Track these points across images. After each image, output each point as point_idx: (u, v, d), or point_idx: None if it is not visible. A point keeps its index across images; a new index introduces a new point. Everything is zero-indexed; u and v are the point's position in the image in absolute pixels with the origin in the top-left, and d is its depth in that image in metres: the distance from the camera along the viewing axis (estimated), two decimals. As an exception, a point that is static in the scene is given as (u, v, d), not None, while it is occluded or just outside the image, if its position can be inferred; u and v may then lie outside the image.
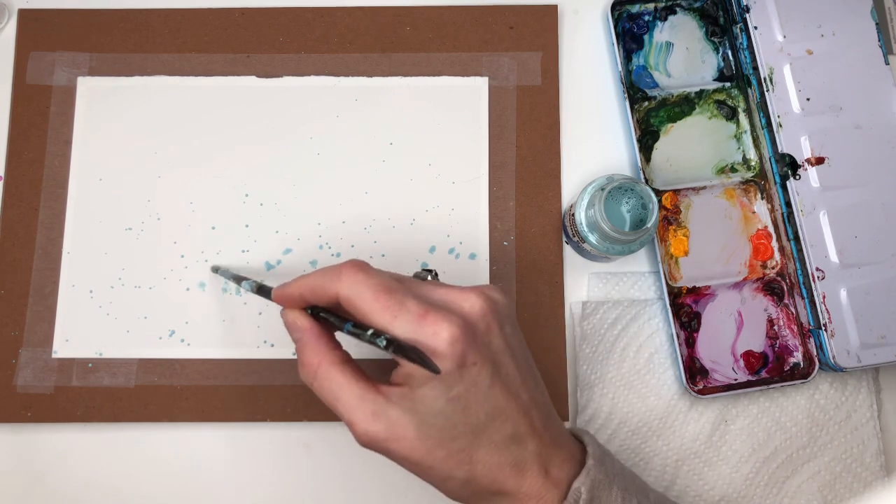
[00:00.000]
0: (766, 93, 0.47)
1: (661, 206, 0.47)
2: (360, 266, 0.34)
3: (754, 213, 0.48)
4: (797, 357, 0.46)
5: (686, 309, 0.47)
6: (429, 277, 0.37)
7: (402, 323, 0.32)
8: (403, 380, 0.33)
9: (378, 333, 0.32)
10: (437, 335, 0.32)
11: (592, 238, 0.43)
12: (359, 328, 0.33)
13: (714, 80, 0.50)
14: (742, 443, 0.46)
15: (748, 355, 0.46)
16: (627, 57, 0.50)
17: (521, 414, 0.34)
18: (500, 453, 0.34)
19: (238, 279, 0.42)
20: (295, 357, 0.46)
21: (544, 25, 0.50)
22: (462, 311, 0.33)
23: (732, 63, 0.50)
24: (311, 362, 0.34)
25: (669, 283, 0.47)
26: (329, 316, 0.35)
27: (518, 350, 0.36)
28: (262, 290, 0.39)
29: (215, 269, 0.47)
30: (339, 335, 0.36)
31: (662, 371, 0.46)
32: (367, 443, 0.33)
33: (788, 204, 0.46)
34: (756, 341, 0.47)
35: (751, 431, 0.46)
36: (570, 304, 0.47)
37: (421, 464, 0.33)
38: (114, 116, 0.49)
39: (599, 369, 0.46)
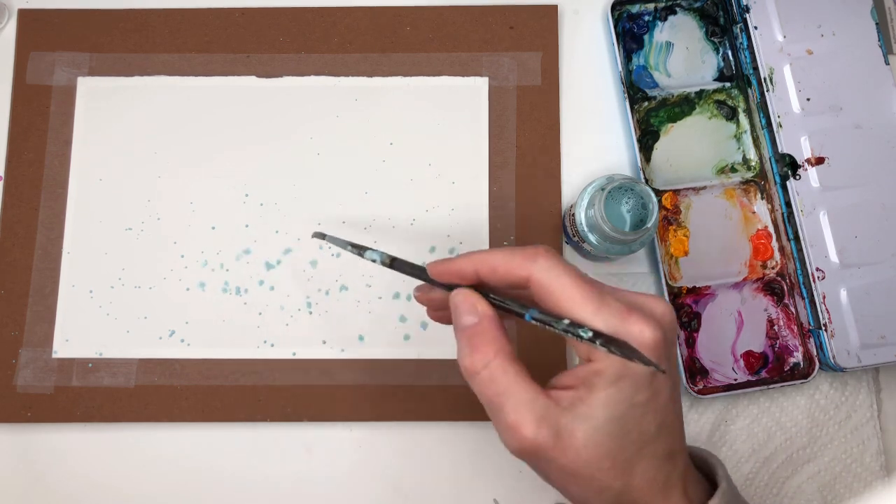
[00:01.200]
0: (766, 93, 0.47)
1: (661, 206, 0.47)
2: (554, 253, 0.32)
3: (754, 213, 0.48)
4: (797, 357, 0.46)
5: (686, 309, 0.47)
6: None
7: (606, 317, 0.30)
8: (579, 382, 0.31)
9: (578, 325, 0.30)
10: (641, 335, 0.30)
11: (592, 238, 0.43)
12: (548, 317, 0.31)
13: (714, 80, 0.50)
14: (742, 443, 0.46)
15: (748, 355, 0.46)
16: (627, 57, 0.50)
17: (680, 430, 0.33)
18: (658, 468, 0.32)
19: (359, 249, 0.37)
20: (294, 357, 0.46)
21: (544, 25, 0.50)
22: (657, 315, 0.32)
23: (732, 63, 0.50)
24: (485, 352, 0.31)
25: (669, 283, 0.47)
26: (506, 301, 0.32)
27: (677, 366, 0.35)
28: (400, 264, 0.36)
29: (321, 236, 0.40)
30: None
31: (662, 371, 0.46)
32: (528, 448, 0.30)
33: (788, 204, 0.46)
34: (756, 341, 0.47)
35: (751, 432, 0.46)
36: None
37: (579, 474, 0.31)
38: (114, 116, 0.49)
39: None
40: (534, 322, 0.31)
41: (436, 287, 0.35)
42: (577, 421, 0.30)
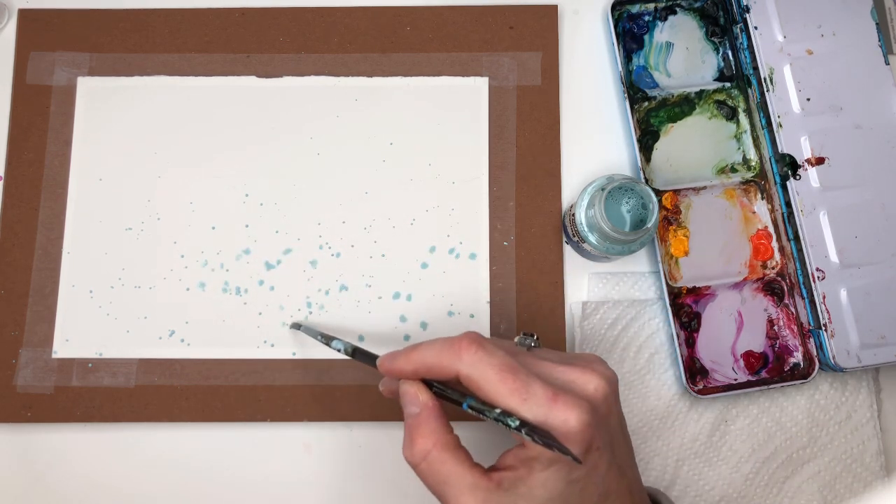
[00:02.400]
0: (766, 93, 0.47)
1: (661, 206, 0.47)
2: (478, 342, 0.33)
3: (754, 213, 0.48)
4: (797, 357, 0.46)
5: (686, 309, 0.47)
6: (531, 343, 0.36)
7: (532, 406, 0.31)
8: (519, 463, 0.32)
9: (508, 414, 0.31)
10: (567, 421, 0.31)
11: (592, 238, 0.43)
12: (482, 406, 0.32)
13: (714, 80, 0.50)
14: (742, 443, 0.46)
15: (748, 355, 0.46)
16: (627, 57, 0.50)
17: (627, 493, 0.34)
18: None
19: (327, 338, 0.42)
20: (294, 357, 0.46)
21: (544, 25, 0.50)
22: (587, 394, 0.33)
23: (732, 63, 0.50)
24: (424, 442, 0.33)
25: (669, 283, 0.47)
26: (446, 390, 0.34)
27: (624, 427, 0.36)
28: (360, 354, 0.39)
29: (296, 326, 0.46)
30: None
31: (662, 371, 0.46)
32: None
33: (788, 204, 0.46)
34: (756, 341, 0.47)
35: (751, 431, 0.46)
36: (570, 304, 0.47)
37: None
38: (114, 116, 0.49)
39: (599, 369, 0.46)
40: (470, 410, 0.33)
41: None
42: (519, 500, 0.32)
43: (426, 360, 0.34)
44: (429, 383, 0.35)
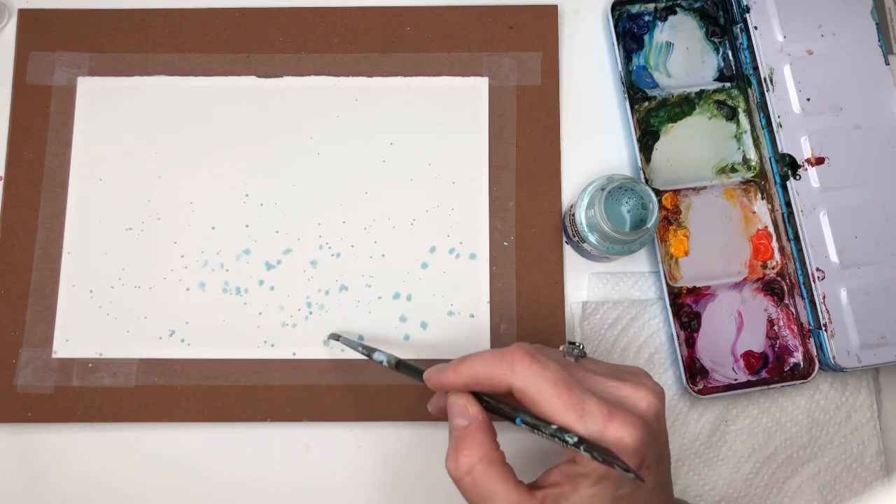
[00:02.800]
0: (766, 93, 0.47)
1: (662, 206, 0.47)
2: (531, 354, 0.32)
3: (754, 213, 0.48)
4: (797, 357, 0.46)
5: (686, 309, 0.47)
6: (578, 353, 0.36)
7: (588, 423, 0.31)
8: (565, 479, 0.32)
9: (564, 430, 0.31)
10: (623, 439, 0.31)
11: (592, 238, 0.43)
12: (537, 421, 0.32)
13: (714, 80, 0.50)
14: (742, 443, 0.46)
15: (748, 355, 0.46)
16: (627, 57, 0.50)
17: None
18: None
19: (368, 350, 0.41)
20: (294, 357, 0.46)
21: (544, 25, 0.50)
22: (640, 411, 0.32)
23: (732, 63, 0.50)
24: (470, 456, 0.32)
25: (669, 283, 0.47)
26: (499, 404, 0.33)
27: (667, 441, 0.35)
28: (405, 368, 0.38)
29: (335, 337, 0.45)
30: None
31: (662, 371, 0.46)
32: None
33: (788, 204, 0.46)
34: (756, 341, 0.47)
35: (751, 432, 0.46)
36: (570, 304, 0.47)
37: None
38: (114, 116, 0.49)
39: (599, 369, 0.46)
40: (523, 426, 0.32)
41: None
42: None
43: (477, 373, 0.33)
44: (478, 396, 0.34)
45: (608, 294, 0.47)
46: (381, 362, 0.39)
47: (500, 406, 0.33)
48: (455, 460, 0.32)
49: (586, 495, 0.31)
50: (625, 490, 0.32)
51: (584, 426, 0.31)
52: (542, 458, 0.44)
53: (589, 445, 0.30)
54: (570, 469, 0.32)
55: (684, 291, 0.47)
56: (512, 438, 0.33)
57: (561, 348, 0.36)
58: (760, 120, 0.48)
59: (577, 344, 0.36)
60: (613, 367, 0.36)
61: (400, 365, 0.38)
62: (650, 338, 0.46)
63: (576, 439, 0.30)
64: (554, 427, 0.31)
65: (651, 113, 0.49)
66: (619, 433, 0.31)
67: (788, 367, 0.46)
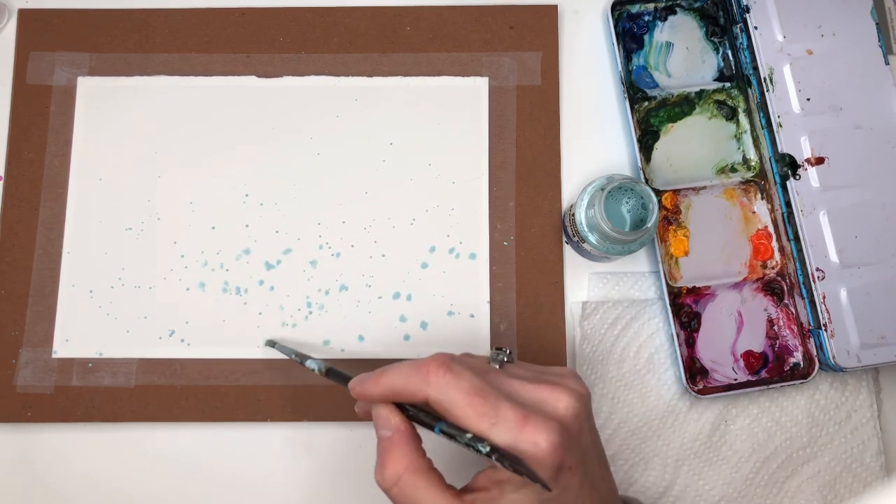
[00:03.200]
0: (766, 93, 0.47)
1: (661, 206, 0.47)
2: (446, 365, 0.33)
3: (754, 213, 0.48)
4: (797, 357, 0.46)
5: (686, 309, 0.47)
6: (504, 358, 0.36)
7: (501, 431, 0.31)
8: (491, 484, 0.32)
9: (478, 439, 0.31)
10: (537, 444, 0.31)
11: (592, 238, 0.43)
12: (453, 430, 0.32)
13: (714, 80, 0.50)
14: (742, 443, 0.45)
15: (748, 355, 0.46)
16: (627, 57, 0.50)
17: None
18: None
19: (302, 357, 0.41)
20: (295, 357, 0.46)
21: (544, 25, 0.50)
22: (557, 414, 0.33)
23: (732, 63, 0.50)
24: (395, 466, 0.32)
25: (669, 283, 0.46)
26: (419, 414, 0.34)
27: (597, 441, 0.36)
28: (334, 375, 0.38)
29: (271, 344, 0.45)
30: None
31: (662, 371, 0.46)
32: None
33: (788, 204, 0.46)
34: (756, 341, 0.47)
35: (751, 431, 0.46)
36: (570, 304, 0.47)
37: None
38: (114, 116, 0.49)
39: (599, 369, 0.46)
40: (441, 435, 0.32)
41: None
42: None
43: (394, 385, 0.33)
44: (403, 406, 0.34)
45: (608, 294, 0.47)
46: (312, 370, 0.40)
47: (419, 415, 0.34)
48: (381, 472, 0.33)
49: (512, 500, 0.32)
50: (550, 494, 0.32)
51: (498, 433, 0.31)
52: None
53: (500, 455, 0.30)
54: (494, 475, 0.33)
55: (684, 291, 0.47)
56: (444, 442, 0.34)
57: (489, 353, 0.36)
58: (760, 120, 0.48)
59: (504, 349, 0.36)
60: (538, 370, 0.36)
61: (330, 372, 0.39)
62: (650, 338, 0.46)
63: (488, 448, 0.31)
64: (468, 436, 0.31)
65: (651, 113, 0.49)
66: (534, 437, 0.31)
67: (788, 367, 0.46)
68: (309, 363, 0.40)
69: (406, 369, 0.33)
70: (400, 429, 0.33)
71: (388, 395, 0.34)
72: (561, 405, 0.33)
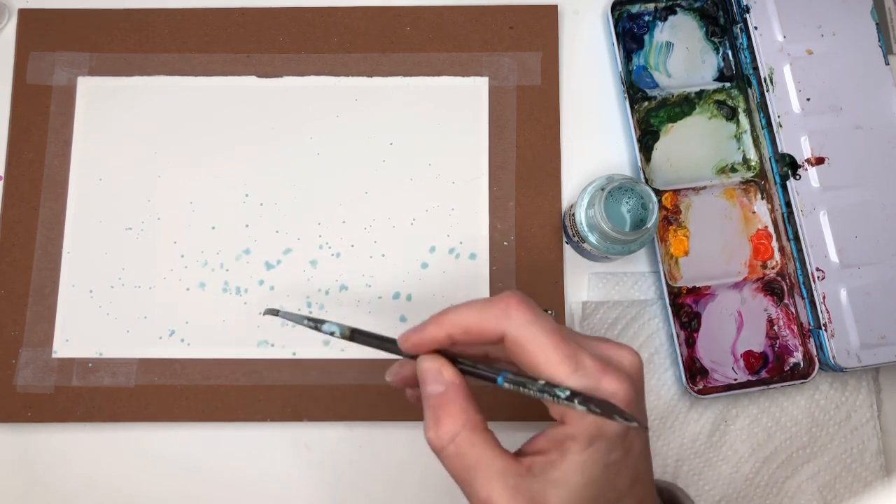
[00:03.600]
0: (766, 93, 0.47)
1: (661, 206, 0.47)
2: (527, 303, 0.30)
3: (754, 213, 0.48)
4: (797, 357, 0.46)
5: (686, 309, 0.47)
6: (551, 317, 0.33)
7: (581, 378, 0.29)
8: (552, 446, 0.30)
9: (552, 385, 0.29)
10: (615, 395, 0.29)
11: (592, 238, 0.43)
12: (522, 378, 0.29)
13: (714, 80, 0.50)
14: (742, 443, 0.45)
15: (748, 355, 0.46)
16: (627, 57, 0.50)
17: (651, 477, 0.32)
18: None
19: (316, 322, 0.34)
20: (294, 357, 0.46)
21: (544, 25, 0.50)
22: (626, 369, 0.31)
23: (732, 63, 0.50)
24: (452, 423, 0.30)
25: (669, 283, 0.46)
26: (476, 366, 0.31)
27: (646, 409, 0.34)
28: (362, 336, 0.33)
29: (273, 312, 0.35)
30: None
31: (662, 371, 0.46)
32: None
33: (788, 204, 0.46)
34: (756, 341, 0.47)
35: (751, 431, 0.46)
36: (570, 304, 0.47)
37: None
38: (114, 116, 0.49)
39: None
40: (506, 385, 0.30)
41: (404, 359, 0.32)
42: (552, 487, 0.29)
43: (466, 321, 0.30)
44: (453, 360, 0.31)
45: (608, 294, 0.47)
46: (332, 334, 0.33)
47: (477, 368, 0.31)
48: (436, 429, 0.30)
49: (576, 462, 0.29)
50: (616, 454, 0.30)
51: (579, 380, 0.29)
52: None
53: (584, 398, 0.28)
54: (557, 433, 0.30)
55: (684, 291, 0.47)
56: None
57: None
58: (760, 120, 0.47)
59: (549, 310, 0.33)
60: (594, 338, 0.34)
61: (355, 334, 0.33)
62: (650, 338, 0.46)
63: (567, 393, 0.28)
64: (542, 383, 0.29)
65: (651, 113, 0.49)
66: (613, 387, 0.29)
67: (788, 367, 0.46)
68: (327, 327, 0.33)
69: (479, 304, 0.30)
70: (455, 382, 0.30)
71: (453, 335, 0.30)
72: (627, 361, 0.31)
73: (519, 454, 0.31)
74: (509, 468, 0.29)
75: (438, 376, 0.30)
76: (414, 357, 0.32)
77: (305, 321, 0.34)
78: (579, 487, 0.29)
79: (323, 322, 0.34)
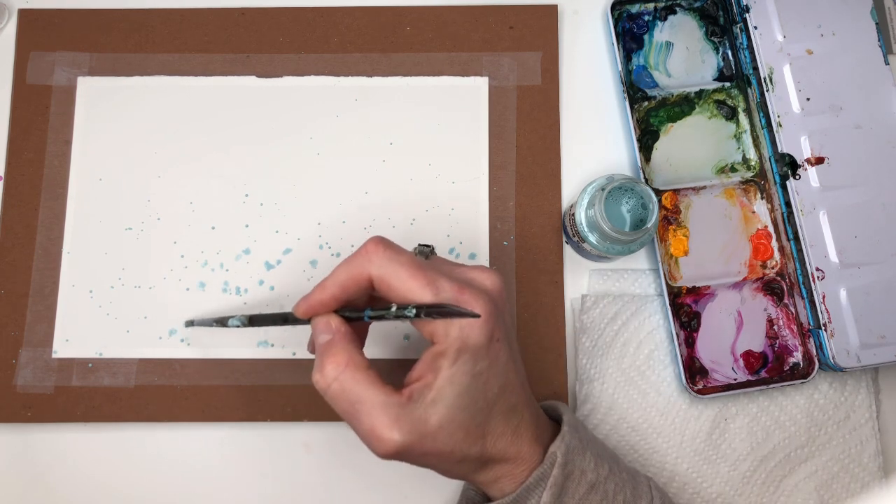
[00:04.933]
0: (765, 93, 0.46)
1: (661, 206, 0.46)
2: (384, 242, 0.34)
3: (754, 212, 0.47)
4: (797, 357, 0.46)
5: (686, 309, 0.46)
6: (428, 253, 0.37)
7: (442, 299, 0.32)
8: (426, 368, 0.33)
9: (403, 306, 0.32)
10: (473, 310, 0.32)
11: (592, 238, 0.42)
12: (379, 310, 0.33)
13: (714, 79, 0.49)
14: (741, 441, 0.45)
15: (748, 355, 0.46)
16: (627, 57, 0.49)
17: (520, 385, 0.35)
18: (506, 422, 0.34)
19: (222, 321, 0.40)
20: (294, 357, 0.45)
21: (544, 25, 0.49)
22: (486, 288, 0.34)
23: (732, 63, 0.49)
24: (335, 363, 0.33)
25: (669, 282, 0.46)
26: (346, 311, 0.34)
27: (514, 329, 0.38)
28: (261, 318, 0.37)
29: (189, 324, 0.44)
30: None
31: (662, 368, 0.46)
32: (391, 451, 0.32)
33: (788, 204, 0.45)
34: (756, 341, 0.46)
35: (750, 430, 0.45)
36: (570, 303, 0.47)
37: (441, 452, 0.33)
38: (114, 116, 0.48)
39: (599, 364, 0.45)
40: (370, 319, 0.33)
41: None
42: (430, 408, 0.32)
43: (339, 279, 0.34)
44: (340, 315, 0.35)
45: (608, 291, 0.47)
46: (237, 326, 0.39)
47: (346, 311, 0.34)
48: (321, 371, 0.33)
49: (447, 376, 0.32)
50: (482, 364, 0.33)
51: (439, 302, 0.32)
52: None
53: (427, 309, 0.31)
54: (430, 355, 0.33)
55: (684, 291, 0.46)
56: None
57: (412, 249, 0.36)
58: (760, 120, 0.47)
59: (429, 245, 0.37)
60: (460, 263, 0.37)
61: (254, 319, 0.38)
62: (650, 334, 0.46)
63: (414, 311, 0.32)
64: (394, 308, 0.32)
65: (651, 112, 0.48)
66: (470, 305, 0.32)
67: (788, 367, 0.46)
68: (231, 322, 0.39)
69: (345, 262, 0.34)
70: (340, 329, 0.34)
71: (336, 293, 0.34)
72: (488, 282, 0.35)
73: (401, 386, 0.33)
74: (391, 400, 0.32)
75: (327, 327, 0.34)
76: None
77: (214, 323, 0.41)
78: (454, 399, 0.32)
79: (228, 319, 0.39)
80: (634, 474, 0.38)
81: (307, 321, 0.35)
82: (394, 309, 0.32)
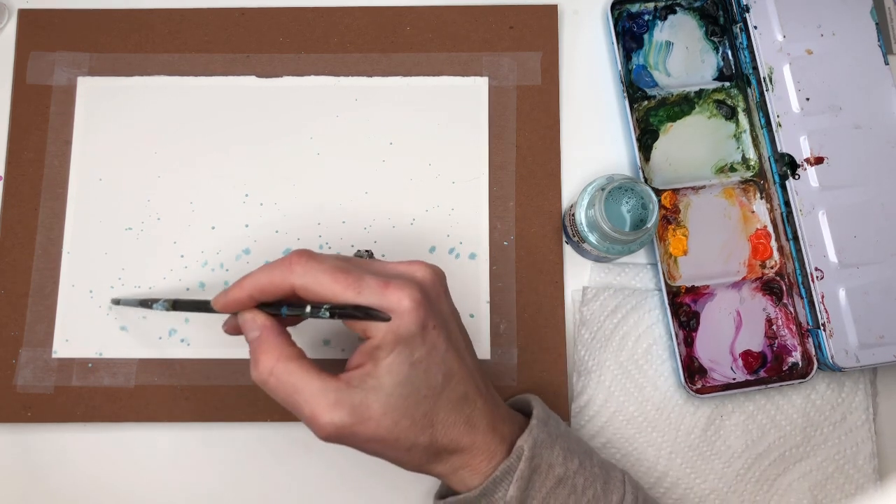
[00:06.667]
0: (765, 92, 0.45)
1: (661, 206, 0.46)
2: (308, 254, 0.33)
3: (753, 212, 0.47)
4: (796, 357, 0.45)
5: (685, 308, 0.45)
6: (365, 256, 0.37)
7: (367, 296, 0.32)
8: (365, 358, 0.33)
9: (318, 306, 0.32)
10: (400, 301, 0.32)
11: (592, 238, 0.41)
12: (295, 307, 0.32)
13: (714, 79, 0.48)
14: (736, 438, 0.44)
15: (747, 355, 0.45)
16: (627, 56, 0.48)
17: (468, 375, 0.35)
18: (456, 411, 0.34)
19: (146, 303, 0.40)
20: (140, 307, 0.44)
21: (544, 25, 0.48)
22: (416, 279, 0.34)
23: (732, 63, 0.48)
24: (267, 358, 0.33)
25: (668, 282, 0.45)
26: (263, 307, 0.34)
27: (458, 318, 0.36)
28: (184, 305, 0.37)
29: (116, 302, 0.44)
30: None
31: (660, 363, 0.45)
32: (332, 433, 0.32)
33: (787, 204, 0.44)
34: (755, 341, 0.45)
35: (745, 427, 0.44)
36: (570, 303, 0.46)
37: (386, 439, 0.32)
38: (114, 116, 0.47)
39: (597, 356, 0.44)
40: (286, 316, 0.33)
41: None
42: (370, 394, 0.32)
43: (259, 283, 0.33)
44: (264, 309, 0.34)
45: (609, 284, 0.46)
46: (161, 310, 0.39)
47: (265, 308, 0.34)
48: (255, 367, 0.33)
49: (385, 365, 0.32)
50: (419, 353, 0.32)
51: (364, 300, 0.32)
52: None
53: (339, 310, 0.31)
54: (367, 347, 0.32)
55: (683, 291, 0.45)
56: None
57: (353, 255, 0.37)
58: (760, 119, 0.46)
59: (368, 250, 0.37)
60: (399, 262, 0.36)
61: (177, 304, 0.38)
62: (649, 328, 0.45)
63: (328, 312, 0.31)
64: (308, 308, 0.32)
65: (650, 112, 0.47)
66: (396, 297, 0.32)
67: (787, 367, 0.45)
68: (156, 306, 0.39)
69: (268, 266, 0.33)
70: (266, 325, 0.33)
71: (253, 294, 0.33)
72: (419, 273, 0.34)
73: (342, 373, 0.33)
74: (328, 385, 0.32)
75: (253, 323, 0.34)
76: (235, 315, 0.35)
77: (138, 304, 0.41)
78: (394, 387, 0.32)
79: (154, 302, 0.39)
80: (609, 469, 0.37)
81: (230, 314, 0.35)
82: (308, 309, 0.32)
